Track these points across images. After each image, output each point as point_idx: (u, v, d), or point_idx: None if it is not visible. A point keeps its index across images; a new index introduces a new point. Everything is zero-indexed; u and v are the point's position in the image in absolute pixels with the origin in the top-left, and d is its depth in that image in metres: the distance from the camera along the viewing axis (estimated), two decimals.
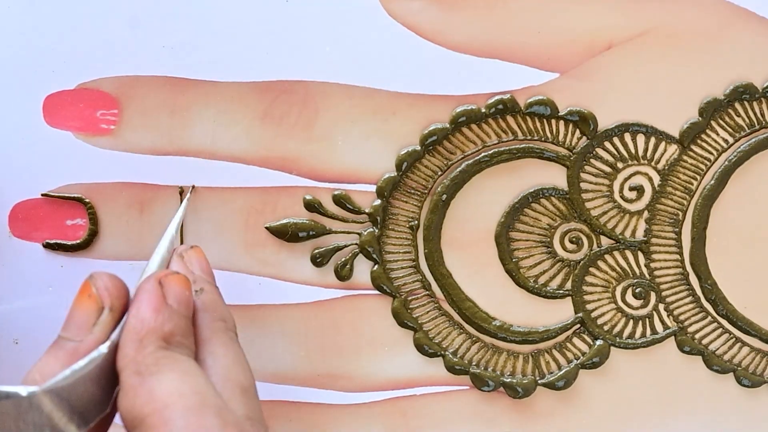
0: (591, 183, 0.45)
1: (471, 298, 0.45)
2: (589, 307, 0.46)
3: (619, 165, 0.45)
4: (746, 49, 0.45)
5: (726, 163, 0.46)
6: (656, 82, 0.45)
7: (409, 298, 0.45)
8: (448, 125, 0.44)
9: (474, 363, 0.46)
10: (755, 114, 0.45)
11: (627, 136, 0.45)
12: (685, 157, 0.45)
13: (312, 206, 0.44)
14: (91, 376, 0.32)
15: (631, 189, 0.45)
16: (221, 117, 0.43)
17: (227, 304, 0.42)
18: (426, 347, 0.45)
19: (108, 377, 0.33)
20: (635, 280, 0.46)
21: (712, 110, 0.45)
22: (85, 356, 0.32)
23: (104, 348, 0.33)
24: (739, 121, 0.45)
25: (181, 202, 0.43)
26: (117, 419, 0.34)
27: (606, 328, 0.46)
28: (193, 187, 0.44)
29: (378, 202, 0.44)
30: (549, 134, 0.45)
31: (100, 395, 0.33)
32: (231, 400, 0.33)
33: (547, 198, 0.45)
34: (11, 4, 0.42)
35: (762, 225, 0.46)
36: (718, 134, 0.45)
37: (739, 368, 0.47)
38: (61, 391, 0.31)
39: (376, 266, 0.45)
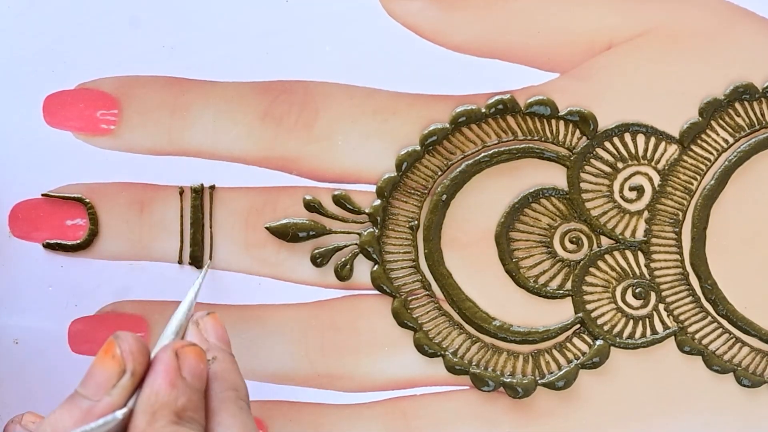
0: (591, 183, 0.45)
1: (471, 298, 0.45)
2: (589, 307, 0.46)
3: (619, 165, 0.45)
4: (746, 49, 0.45)
5: (726, 163, 0.46)
6: (656, 82, 0.45)
7: (409, 298, 0.45)
8: (448, 125, 0.44)
9: (474, 363, 0.46)
10: (755, 114, 0.45)
11: (627, 136, 0.45)
12: (685, 157, 0.45)
13: (312, 206, 0.44)
14: None
15: (631, 189, 0.45)
16: (221, 117, 0.43)
17: (228, 304, 0.42)
18: (426, 347, 0.45)
19: None
20: (635, 280, 0.46)
21: (712, 110, 0.45)
22: (99, 418, 0.32)
23: (120, 414, 0.32)
24: (739, 121, 0.45)
25: (181, 201, 0.43)
26: None
27: (606, 328, 0.46)
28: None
29: (378, 202, 0.44)
30: (549, 134, 0.45)
31: None
32: None
33: (547, 198, 0.45)
34: (11, 4, 0.42)
35: (762, 225, 0.46)
36: (718, 134, 0.45)
37: (739, 368, 0.47)
38: None
39: (376, 266, 0.45)
